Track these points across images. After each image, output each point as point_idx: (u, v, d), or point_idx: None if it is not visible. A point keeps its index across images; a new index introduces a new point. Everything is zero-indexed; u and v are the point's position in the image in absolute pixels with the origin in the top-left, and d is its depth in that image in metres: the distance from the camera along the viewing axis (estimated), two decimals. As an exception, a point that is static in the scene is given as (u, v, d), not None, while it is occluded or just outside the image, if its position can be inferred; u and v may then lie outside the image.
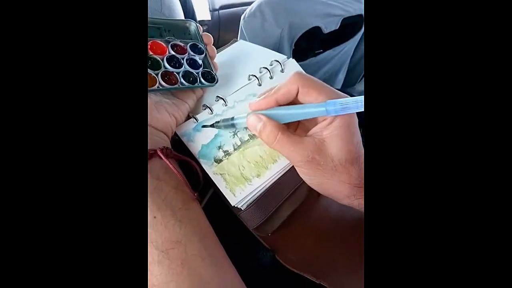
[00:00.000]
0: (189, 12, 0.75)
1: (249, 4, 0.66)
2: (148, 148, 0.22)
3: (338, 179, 0.21)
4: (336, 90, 0.21)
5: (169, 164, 0.22)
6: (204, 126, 0.27)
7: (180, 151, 0.25)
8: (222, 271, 0.20)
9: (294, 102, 0.22)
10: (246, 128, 0.25)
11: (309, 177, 0.22)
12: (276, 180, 0.26)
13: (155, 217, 0.19)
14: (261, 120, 0.22)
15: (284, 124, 0.22)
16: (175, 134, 0.27)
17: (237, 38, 0.64)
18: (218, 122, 0.26)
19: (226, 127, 0.26)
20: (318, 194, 0.28)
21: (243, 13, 0.64)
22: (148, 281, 0.18)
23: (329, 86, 0.22)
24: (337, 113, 0.19)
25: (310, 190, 0.27)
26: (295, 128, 0.25)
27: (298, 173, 0.23)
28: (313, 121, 0.22)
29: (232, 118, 0.25)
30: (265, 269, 0.25)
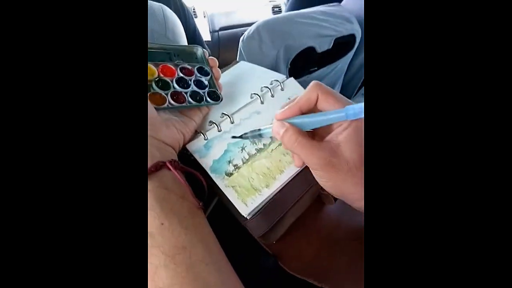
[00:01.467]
0: (189, 33, 0.79)
1: (246, 25, 0.70)
2: (158, 160, 0.23)
3: (352, 181, 0.22)
4: (349, 100, 0.24)
5: (177, 175, 0.23)
6: (233, 137, 0.29)
7: (186, 165, 0.26)
8: (225, 276, 0.21)
9: (313, 110, 0.24)
10: (271, 137, 0.28)
11: (325, 179, 0.23)
12: (280, 190, 0.28)
13: (162, 223, 0.20)
14: (284, 126, 0.23)
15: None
16: (183, 148, 0.29)
17: (236, 58, 0.68)
18: (246, 133, 0.28)
19: (253, 137, 0.28)
20: (320, 203, 0.30)
21: (241, 34, 0.68)
22: (155, 283, 0.18)
23: (343, 96, 0.24)
24: (356, 117, 0.21)
25: (313, 199, 0.29)
26: (313, 137, 0.26)
27: (315, 176, 0.24)
28: (328, 130, 0.24)
29: (259, 130, 0.27)
30: (267, 274, 0.26)
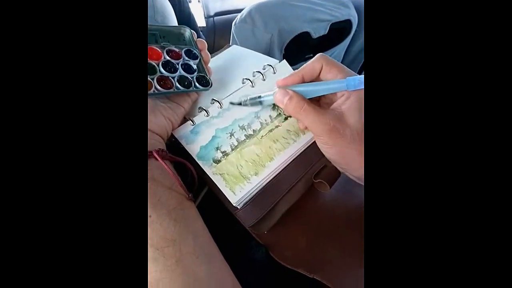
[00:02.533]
0: (184, 18, 0.76)
1: (243, 10, 0.68)
2: (145, 149, 0.22)
3: (354, 148, 0.23)
4: (352, 71, 0.25)
5: (165, 165, 0.22)
6: (231, 103, 0.29)
7: (175, 154, 0.25)
8: (216, 268, 0.21)
9: (315, 80, 0.25)
10: (272, 105, 0.29)
11: (329, 146, 0.24)
12: (271, 179, 0.27)
13: (150, 216, 0.20)
14: (288, 94, 0.24)
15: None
16: (171, 136, 0.27)
17: (230, 44, 0.66)
18: (245, 100, 0.28)
19: (253, 104, 0.28)
20: (313, 192, 0.29)
21: (236, 19, 0.65)
22: None
23: (346, 67, 0.25)
24: (356, 88, 0.22)
25: (306, 187, 0.28)
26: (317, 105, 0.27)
27: (318, 143, 0.25)
28: (331, 99, 0.25)
29: (259, 97, 0.27)
30: (258, 264, 0.26)
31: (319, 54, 0.25)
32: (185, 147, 0.27)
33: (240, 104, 0.28)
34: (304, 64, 0.25)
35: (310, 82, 0.25)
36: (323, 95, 0.26)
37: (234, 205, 0.25)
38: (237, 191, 0.26)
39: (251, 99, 0.28)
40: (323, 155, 0.27)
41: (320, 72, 0.25)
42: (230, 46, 0.39)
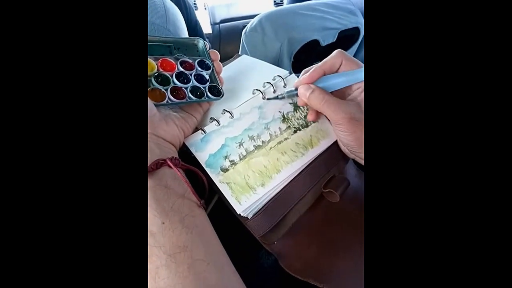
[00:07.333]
0: (191, 26, 0.77)
1: (248, 18, 0.69)
2: (158, 157, 0.23)
3: None
4: None
5: (178, 172, 0.23)
6: (269, 99, 0.31)
7: (186, 162, 0.26)
8: (226, 276, 0.21)
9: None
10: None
11: (348, 133, 0.26)
12: (282, 189, 0.27)
13: (163, 222, 0.20)
14: (310, 88, 0.27)
15: None
16: (183, 145, 0.28)
17: (237, 51, 0.67)
18: (282, 94, 0.31)
19: (289, 96, 0.30)
20: (323, 202, 0.29)
21: (243, 26, 0.66)
22: (156, 284, 0.18)
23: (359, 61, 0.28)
24: None
25: (315, 197, 0.28)
26: None
27: (336, 132, 0.28)
28: (344, 94, 0.28)
29: (296, 89, 0.29)
30: (268, 272, 0.26)
31: (338, 50, 0.28)
32: (195, 155, 0.27)
33: (277, 98, 0.30)
34: (324, 60, 0.27)
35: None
36: (338, 90, 0.27)
37: (240, 214, 0.26)
38: (242, 201, 0.26)
39: (287, 91, 0.30)
40: (332, 167, 0.27)
41: (339, 67, 0.27)
42: (239, 55, 0.40)
